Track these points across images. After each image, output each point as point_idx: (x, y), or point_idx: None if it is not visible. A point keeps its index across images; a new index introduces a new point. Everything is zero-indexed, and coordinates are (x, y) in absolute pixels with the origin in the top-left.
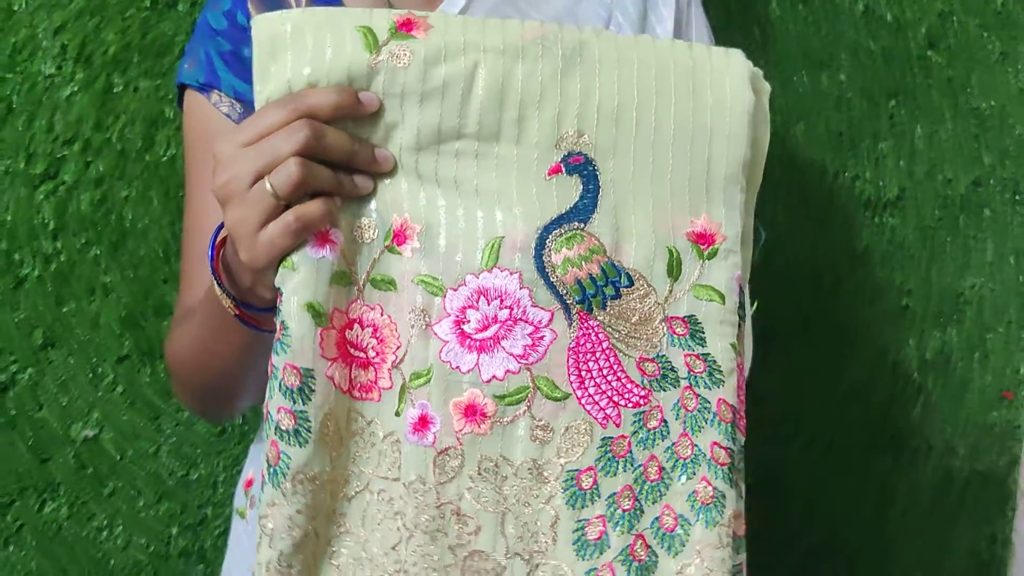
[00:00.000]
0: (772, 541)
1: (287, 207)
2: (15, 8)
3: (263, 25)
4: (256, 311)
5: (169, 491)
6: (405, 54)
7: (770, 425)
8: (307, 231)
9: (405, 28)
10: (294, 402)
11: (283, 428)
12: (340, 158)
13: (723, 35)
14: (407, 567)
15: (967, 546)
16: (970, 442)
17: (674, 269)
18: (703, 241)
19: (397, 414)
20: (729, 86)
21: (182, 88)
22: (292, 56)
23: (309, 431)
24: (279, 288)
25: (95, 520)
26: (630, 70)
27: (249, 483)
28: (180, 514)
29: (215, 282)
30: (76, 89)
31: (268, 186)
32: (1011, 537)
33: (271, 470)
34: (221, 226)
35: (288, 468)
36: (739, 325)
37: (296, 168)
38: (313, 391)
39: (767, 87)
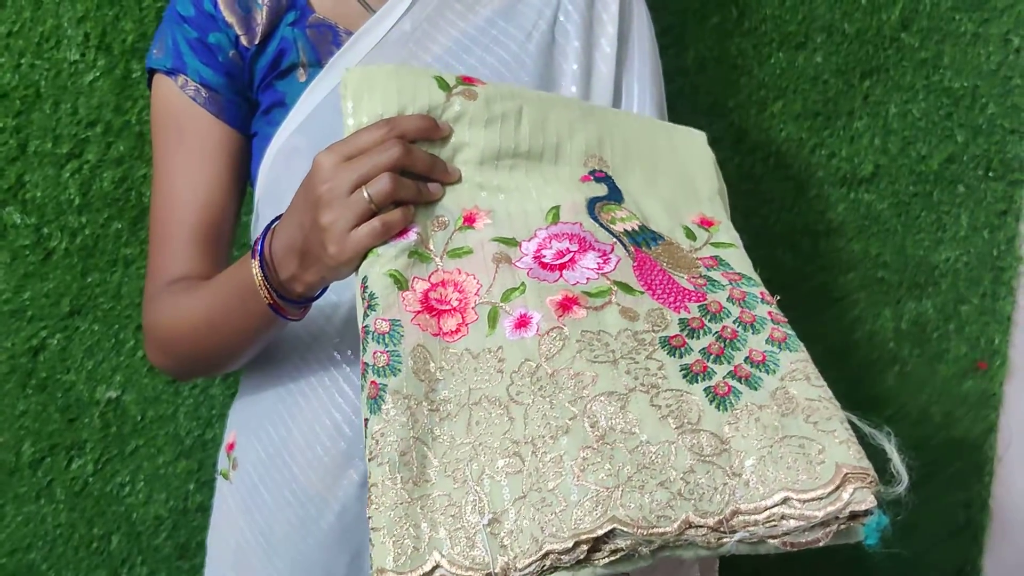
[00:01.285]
0: None
1: (375, 213)
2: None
3: (356, 73)
4: (285, 301)
5: (187, 450)
6: (471, 93)
7: None
8: (389, 234)
9: (468, 81)
10: (386, 344)
11: (379, 366)
12: (422, 171)
13: (700, 15)
14: (530, 437)
15: (942, 511)
16: (945, 410)
17: (691, 236)
18: (705, 224)
19: (488, 334)
20: (695, 143)
21: (151, 72)
22: (382, 94)
23: (400, 364)
24: (363, 276)
25: (119, 476)
26: (626, 130)
27: (231, 446)
28: (197, 471)
29: (260, 272)
30: (98, 75)
31: (366, 194)
32: (988, 503)
33: (371, 403)
34: (270, 225)
35: (386, 394)
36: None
37: (389, 181)
38: (402, 336)
39: (712, 155)
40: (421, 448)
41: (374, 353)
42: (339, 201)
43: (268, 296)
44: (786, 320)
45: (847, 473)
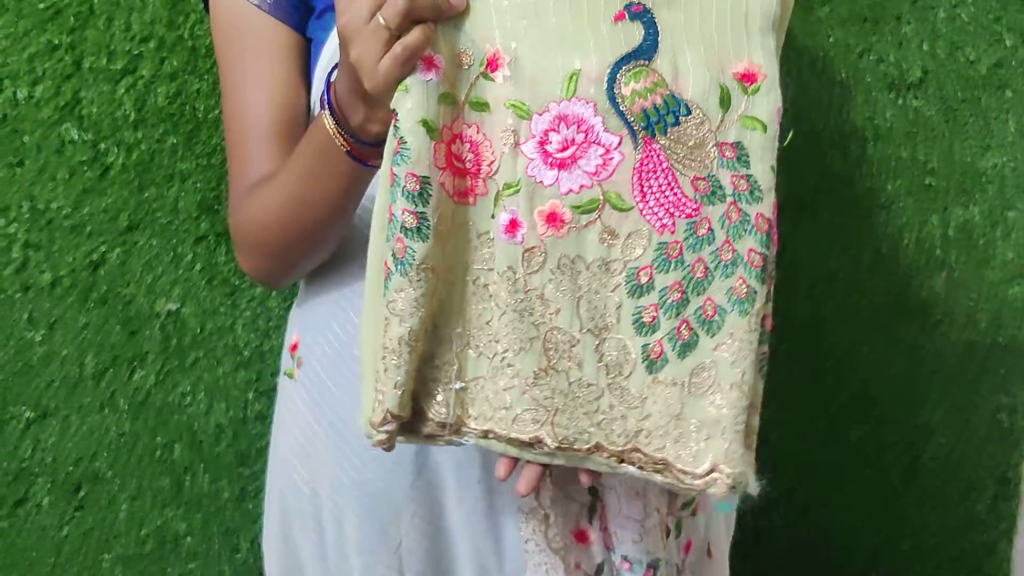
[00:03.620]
0: (809, 395)
1: (398, 38)
2: None
3: None
4: (363, 145)
5: (245, 361)
6: None
7: (806, 286)
8: (415, 58)
9: None
10: (415, 204)
11: (407, 227)
12: None
13: None
14: (499, 336)
15: (989, 414)
16: (991, 315)
17: (725, 101)
18: (747, 80)
19: (492, 216)
20: None
21: None
22: None
23: (428, 228)
24: (394, 109)
25: (180, 387)
26: None
27: (294, 347)
28: (255, 381)
29: (332, 119)
30: None
31: (381, 20)
32: None
33: (398, 262)
34: (330, 75)
35: (413, 259)
36: (776, 150)
37: (401, 0)
38: (430, 195)
39: None
40: (431, 310)
41: (403, 211)
42: (359, 33)
43: (345, 143)
44: (763, 255)
45: (718, 467)
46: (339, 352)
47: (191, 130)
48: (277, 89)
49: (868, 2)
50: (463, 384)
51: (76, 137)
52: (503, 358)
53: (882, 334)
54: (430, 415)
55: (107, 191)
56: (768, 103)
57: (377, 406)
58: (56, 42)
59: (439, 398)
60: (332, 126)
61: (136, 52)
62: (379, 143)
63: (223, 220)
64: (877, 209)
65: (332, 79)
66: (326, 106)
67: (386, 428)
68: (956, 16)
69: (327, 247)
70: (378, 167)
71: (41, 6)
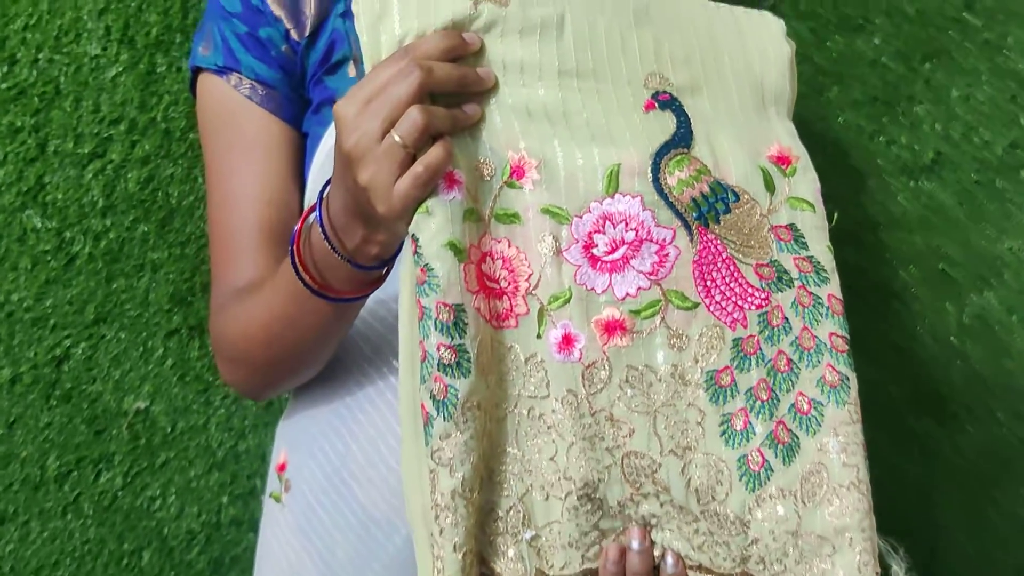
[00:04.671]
0: None
1: (414, 156)
2: None
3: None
4: (362, 269)
5: (219, 462)
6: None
7: None
8: (436, 178)
9: None
10: (451, 337)
11: (445, 363)
12: (453, 86)
13: None
14: (569, 472)
15: (1008, 509)
16: (1011, 406)
17: (769, 184)
18: (782, 162)
19: (538, 336)
20: (768, 39)
21: (196, 72)
22: (399, 15)
23: (469, 361)
24: (414, 234)
25: (149, 490)
26: (688, 25)
27: (282, 466)
28: (230, 484)
29: (294, 267)
30: (121, 70)
31: (396, 138)
32: None
33: (439, 404)
34: (323, 191)
35: (457, 398)
36: (827, 230)
37: (418, 115)
38: (467, 324)
39: (792, 43)
40: (483, 453)
41: (438, 346)
42: (371, 154)
43: (312, 283)
44: (846, 338)
45: None
46: (330, 476)
47: (163, 217)
48: (267, 187)
49: (880, 82)
50: (534, 533)
51: (39, 225)
52: (579, 496)
53: (898, 428)
54: (505, 574)
55: (72, 282)
56: (807, 183)
57: (437, 575)
58: (19, 124)
59: (510, 553)
60: (296, 272)
61: (105, 135)
62: (378, 266)
63: (196, 313)
64: (890, 299)
65: (325, 195)
66: (319, 227)
67: None
68: (970, 96)
69: (318, 365)
70: (375, 287)
71: (3, 86)
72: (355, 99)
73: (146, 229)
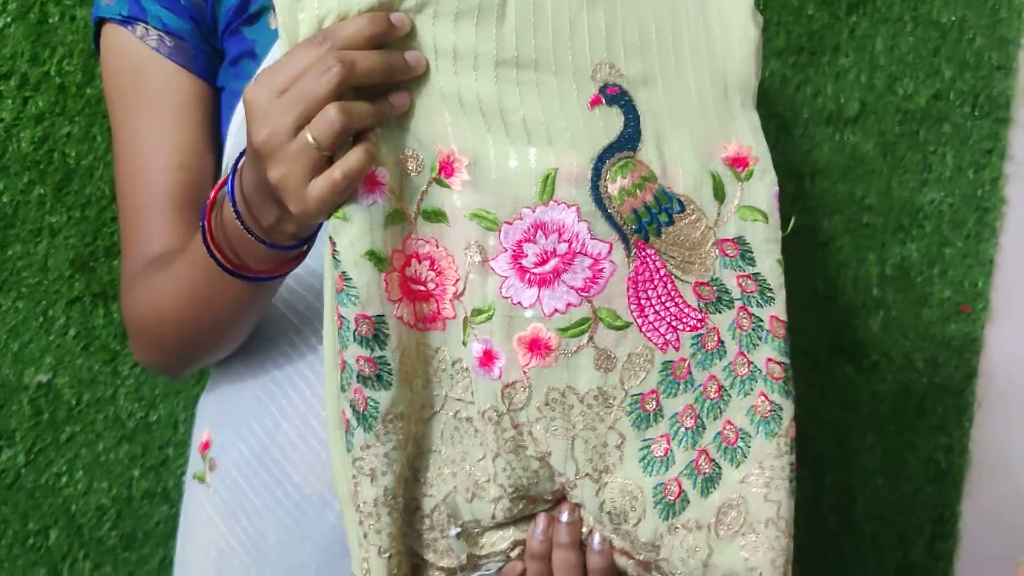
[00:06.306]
0: None
1: (332, 158)
2: None
3: None
4: (279, 249)
5: (129, 434)
6: None
7: None
8: (355, 184)
9: None
10: (372, 350)
11: (365, 375)
12: (378, 77)
13: None
14: (499, 479)
15: (926, 455)
16: (928, 354)
17: (719, 192)
18: (738, 164)
19: (463, 343)
20: (734, 21)
21: (99, 23)
22: None
23: (391, 373)
24: (332, 238)
25: (54, 466)
26: (645, 5)
27: (205, 445)
28: (141, 456)
29: (205, 245)
30: (9, 20)
31: (310, 138)
32: (968, 447)
33: (360, 416)
34: (237, 163)
35: (378, 411)
36: (780, 241)
37: (335, 114)
38: (388, 335)
39: (761, 20)
40: (408, 458)
41: (357, 359)
42: (282, 151)
43: (226, 262)
44: (784, 364)
45: None
46: (259, 455)
47: (60, 179)
48: (178, 148)
49: (806, 32)
50: (459, 529)
51: None
52: (512, 498)
53: (818, 376)
54: (440, 563)
55: None
56: (764, 188)
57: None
58: None
59: (439, 546)
60: (209, 252)
61: None
62: (294, 246)
63: (99, 279)
64: (814, 248)
65: (240, 166)
66: (231, 201)
67: None
68: (895, 47)
69: (237, 342)
70: (296, 265)
71: None
72: (267, 87)
73: (42, 191)
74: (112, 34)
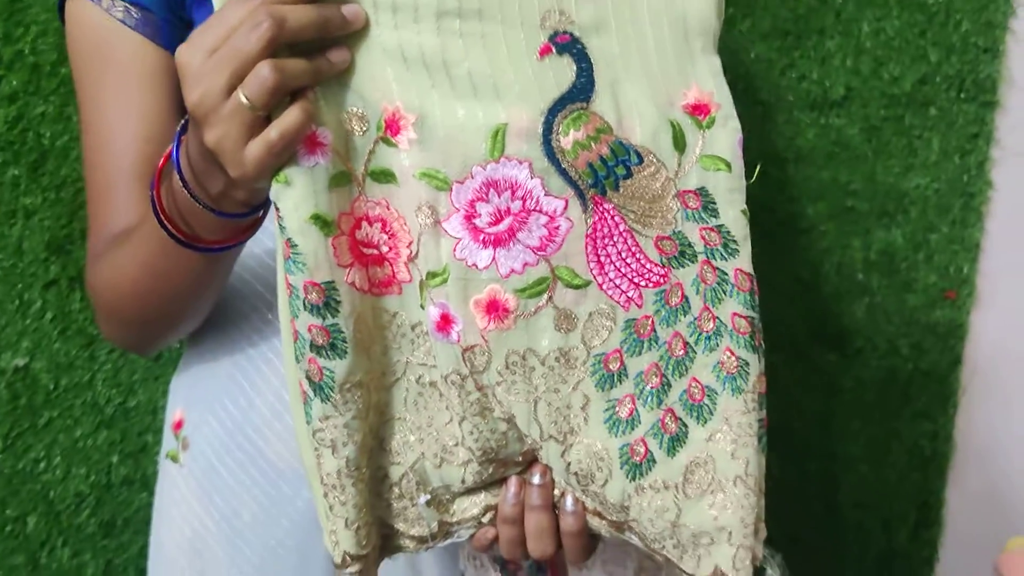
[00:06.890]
0: None
1: (269, 117)
2: None
3: None
4: (230, 217)
5: (107, 419)
6: None
7: None
8: (293, 145)
9: None
10: (323, 318)
11: (318, 345)
12: (313, 32)
13: None
14: (467, 443)
15: (910, 442)
16: (913, 341)
17: (679, 141)
18: (699, 111)
19: (421, 307)
20: None
21: None
22: None
23: (345, 341)
24: (275, 203)
25: (32, 452)
26: None
27: (178, 424)
28: (120, 442)
29: (156, 218)
30: None
31: (243, 98)
32: (953, 434)
33: (316, 386)
34: (183, 129)
35: (334, 381)
36: (744, 190)
37: (268, 72)
38: (339, 302)
39: None
40: (371, 426)
41: (309, 327)
42: (215, 113)
43: (178, 234)
44: (751, 319)
45: (722, 572)
46: (232, 432)
47: (35, 160)
48: (145, 121)
49: (791, 15)
50: (429, 496)
51: None
52: (481, 462)
53: (802, 363)
54: (410, 532)
55: None
56: (727, 136)
57: (334, 548)
58: None
59: (409, 514)
60: (159, 222)
61: None
62: (247, 214)
63: (76, 262)
64: (797, 234)
65: (184, 136)
66: (175, 169)
67: (351, 570)
68: (880, 30)
69: (200, 316)
70: (245, 240)
71: None
72: (198, 46)
73: (16, 172)
74: (77, 7)
